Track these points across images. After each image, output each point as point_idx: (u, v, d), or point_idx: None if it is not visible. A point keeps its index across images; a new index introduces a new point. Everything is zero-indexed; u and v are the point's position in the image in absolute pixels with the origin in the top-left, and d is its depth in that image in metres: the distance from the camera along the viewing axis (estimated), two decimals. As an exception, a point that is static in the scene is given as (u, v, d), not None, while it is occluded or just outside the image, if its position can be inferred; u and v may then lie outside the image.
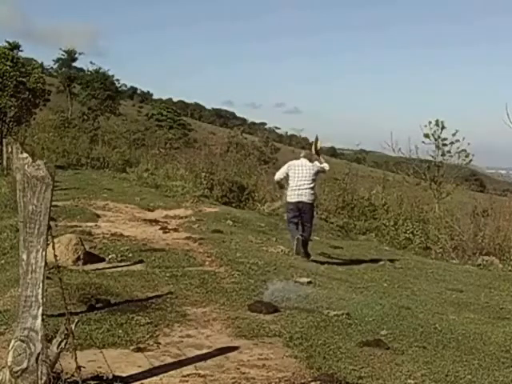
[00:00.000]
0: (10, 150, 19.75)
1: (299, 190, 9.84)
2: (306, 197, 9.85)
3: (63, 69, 61.37)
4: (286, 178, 10.13)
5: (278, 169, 10.93)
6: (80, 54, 59.92)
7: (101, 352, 4.56)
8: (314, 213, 10.44)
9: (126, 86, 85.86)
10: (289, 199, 10.01)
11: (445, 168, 19.72)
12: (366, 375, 4.34)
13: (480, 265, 11.93)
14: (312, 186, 9.90)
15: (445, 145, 19.46)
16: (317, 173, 10.11)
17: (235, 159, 25.15)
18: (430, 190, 19.51)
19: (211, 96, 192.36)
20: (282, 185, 10.48)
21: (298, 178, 9.88)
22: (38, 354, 3.44)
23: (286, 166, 10.17)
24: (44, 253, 3.47)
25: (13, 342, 3.49)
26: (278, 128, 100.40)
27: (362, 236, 16.48)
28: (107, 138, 35.97)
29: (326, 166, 10.29)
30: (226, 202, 17.99)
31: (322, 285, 7.40)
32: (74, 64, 60.82)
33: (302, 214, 9.89)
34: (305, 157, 10.23)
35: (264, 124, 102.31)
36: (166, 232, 10.98)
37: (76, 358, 3.58)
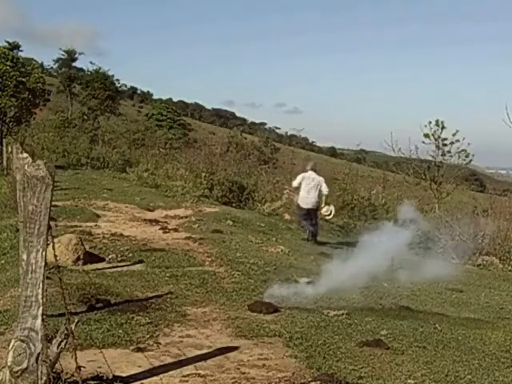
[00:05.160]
0: (9, 149, 19.72)
1: (307, 198, 12.38)
2: (312, 204, 12.44)
3: (63, 69, 61.38)
4: (299, 186, 12.66)
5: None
6: (80, 54, 59.97)
7: (101, 352, 4.56)
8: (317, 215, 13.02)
9: (125, 85, 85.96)
10: (300, 204, 12.59)
11: (445, 168, 19.67)
12: (366, 375, 4.34)
13: (480, 265, 11.92)
14: (317, 194, 12.40)
15: (445, 145, 19.41)
16: (321, 184, 12.56)
17: (235, 159, 25.17)
18: (430, 190, 19.48)
19: (211, 96, 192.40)
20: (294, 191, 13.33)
21: (307, 188, 12.40)
22: (38, 354, 3.44)
23: (300, 178, 12.62)
24: (44, 253, 3.46)
25: (13, 341, 3.48)
26: (278, 128, 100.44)
27: (362, 236, 16.46)
28: (107, 137, 35.94)
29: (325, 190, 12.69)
30: (226, 201, 17.97)
31: (322, 285, 7.40)
32: (74, 64, 60.85)
33: (309, 215, 12.51)
34: (312, 169, 12.64)
35: (264, 124, 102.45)
36: (166, 232, 10.98)
37: (76, 358, 3.58)
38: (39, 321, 3.47)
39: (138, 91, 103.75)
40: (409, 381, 4.30)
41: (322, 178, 12.58)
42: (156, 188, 19.53)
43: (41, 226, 3.43)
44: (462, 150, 19.43)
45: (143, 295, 6.39)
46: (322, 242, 12.77)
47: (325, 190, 12.50)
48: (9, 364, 3.45)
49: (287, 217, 15.72)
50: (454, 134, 19.18)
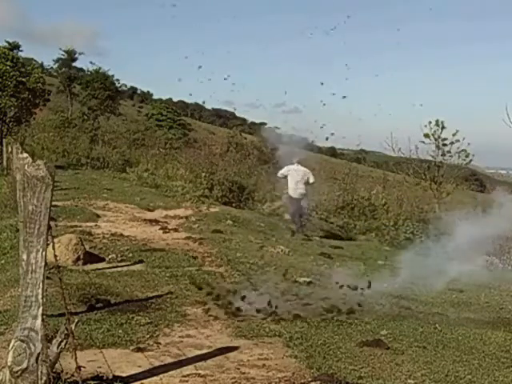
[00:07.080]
0: (10, 149, 19.72)
1: (296, 189, 13.51)
2: (301, 194, 13.63)
3: (63, 69, 61.18)
4: (286, 178, 13.81)
5: (277, 169, 14.55)
6: (80, 54, 59.74)
7: (101, 352, 4.56)
8: (307, 203, 14.40)
9: (125, 86, 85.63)
10: (291, 194, 13.71)
11: (445, 168, 19.65)
12: (366, 375, 4.34)
13: (480, 265, 11.90)
14: (304, 185, 13.61)
15: (445, 145, 19.38)
16: (307, 175, 13.78)
17: (235, 159, 25.14)
18: (430, 189, 19.46)
19: (211, 96, 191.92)
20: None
21: (295, 180, 13.51)
22: (38, 354, 3.44)
23: (286, 169, 13.75)
24: (44, 253, 3.46)
25: (13, 341, 3.48)
26: (278, 128, 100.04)
27: (362, 236, 16.47)
28: (107, 137, 35.91)
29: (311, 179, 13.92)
30: (226, 201, 17.97)
31: (321, 285, 7.40)
32: (74, 64, 60.60)
33: (300, 204, 13.77)
34: (297, 162, 13.77)
35: (264, 124, 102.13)
36: (166, 232, 10.98)
37: (76, 357, 3.58)
38: (39, 321, 3.47)
39: (138, 91, 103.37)
40: (409, 381, 4.30)
41: (308, 170, 13.88)
42: (156, 188, 19.53)
43: (41, 226, 3.43)
44: (462, 150, 19.40)
45: (143, 295, 6.39)
46: (308, 235, 13.47)
47: (311, 179, 13.79)
48: (9, 364, 3.45)
49: (287, 217, 15.72)
50: (454, 134, 19.16)
